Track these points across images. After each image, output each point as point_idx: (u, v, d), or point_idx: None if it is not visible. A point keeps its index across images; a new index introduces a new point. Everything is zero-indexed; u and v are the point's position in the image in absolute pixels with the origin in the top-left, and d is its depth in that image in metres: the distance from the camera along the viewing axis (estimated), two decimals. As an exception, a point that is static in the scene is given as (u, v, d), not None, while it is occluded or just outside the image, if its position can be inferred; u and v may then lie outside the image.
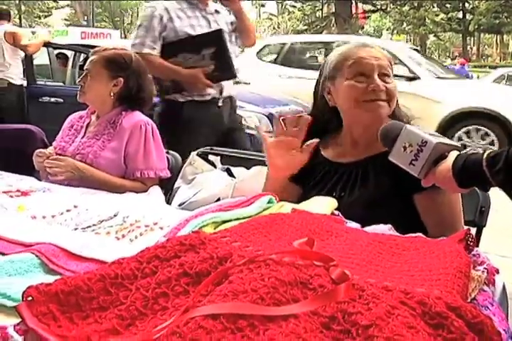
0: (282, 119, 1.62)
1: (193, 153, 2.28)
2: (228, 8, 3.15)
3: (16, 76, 5.67)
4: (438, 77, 7.64)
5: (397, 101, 1.67)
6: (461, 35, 29.65)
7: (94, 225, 1.40)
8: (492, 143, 6.72)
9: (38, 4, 33.09)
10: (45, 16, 34.20)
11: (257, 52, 8.33)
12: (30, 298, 0.83)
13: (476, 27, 28.02)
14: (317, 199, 1.46)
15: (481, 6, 26.73)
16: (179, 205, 1.94)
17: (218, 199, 1.80)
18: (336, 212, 1.35)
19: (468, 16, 28.40)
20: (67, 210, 1.51)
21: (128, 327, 0.80)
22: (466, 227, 1.50)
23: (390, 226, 1.28)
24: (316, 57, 9.83)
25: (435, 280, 0.89)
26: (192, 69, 2.91)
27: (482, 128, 6.83)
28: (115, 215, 1.46)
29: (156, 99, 2.55)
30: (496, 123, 6.75)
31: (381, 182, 1.59)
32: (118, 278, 0.90)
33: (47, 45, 6.15)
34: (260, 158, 2.06)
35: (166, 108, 3.04)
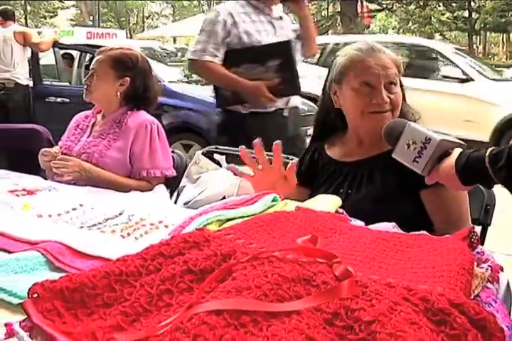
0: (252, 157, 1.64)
1: (198, 152, 2.28)
2: (291, 14, 2.98)
3: (23, 76, 5.70)
4: (493, 79, 7.35)
5: (404, 98, 1.67)
6: (467, 33, 29.52)
7: (99, 223, 1.41)
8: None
9: (44, 4, 33.14)
10: (51, 16, 34.26)
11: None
12: (35, 295, 0.84)
13: (482, 26, 27.88)
14: (321, 197, 1.46)
15: (487, 5, 26.60)
16: (184, 204, 1.94)
17: (223, 198, 1.80)
18: (340, 210, 1.35)
19: (474, 15, 28.28)
20: (73, 209, 1.52)
21: (132, 324, 0.81)
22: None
23: (394, 224, 1.28)
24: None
25: (438, 277, 0.89)
26: (255, 81, 2.69)
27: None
28: (120, 214, 1.47)
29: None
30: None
31: (387, 180, 1.59)
32: (122, 275, 0.90)
33: (53, 45, 6.18)
34: (266, 157, 2.06)
35: (227, 119, 2.88)
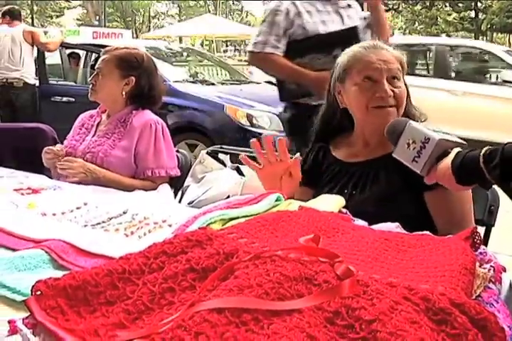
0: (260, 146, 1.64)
1: (203, 152, 2.29)
2: (361, 1, 2.80)
3: (30, 75, 5.73)
4: None
5: (409, 99, 1.67)
6: (473, 34, 29.46)
7: (103, 222, 1.41)
8: None
9: (50, 4, 33.27)
10: (57, 16, 34.38)
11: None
12: (39, 293, 0.85)
13: (489, 26, 27.82)
14: (325, 197, 1.46)
15: (493, 5, 26.54)
16: (189, 204, 1.95)
17: (228, 198, 1.81)
18: (344, 210, 1.36)
19: (481, 15, 28.22)
20: (77, 207, 1.53)
21: (134, 321, 0.81)
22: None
23: (397, 224, 1.28)
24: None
25: (440, 277, 0.89)
26: (321, 71, 2.46)
27: None
28: (124, 212, 1.48)
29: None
30: None
31: (392, 181, 1.59)
32: (125, 273, 0.91)
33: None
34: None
35: (296, 113, 2.69)
